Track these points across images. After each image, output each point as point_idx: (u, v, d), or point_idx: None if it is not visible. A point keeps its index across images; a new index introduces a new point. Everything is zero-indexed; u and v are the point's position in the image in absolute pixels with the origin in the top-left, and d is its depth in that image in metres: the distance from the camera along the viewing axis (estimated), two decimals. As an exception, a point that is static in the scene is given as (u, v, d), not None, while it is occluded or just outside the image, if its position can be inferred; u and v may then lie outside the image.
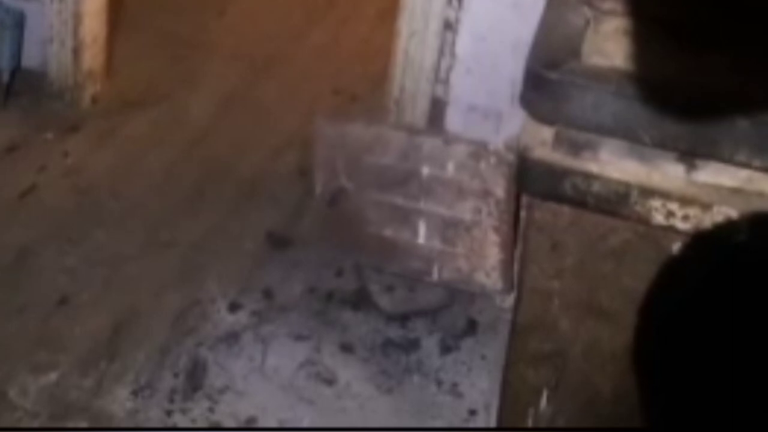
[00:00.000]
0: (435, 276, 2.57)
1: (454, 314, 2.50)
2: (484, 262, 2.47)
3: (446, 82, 2.96)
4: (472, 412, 2.19)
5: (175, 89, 3.47)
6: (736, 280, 1.43)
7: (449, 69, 2.91)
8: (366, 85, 3.56)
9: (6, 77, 3.22)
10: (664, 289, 1.47)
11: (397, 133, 2.58)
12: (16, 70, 3.25)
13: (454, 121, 2.94)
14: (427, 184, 2.54)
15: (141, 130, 3.21)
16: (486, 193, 2.44)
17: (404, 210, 2.58)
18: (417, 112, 3.05)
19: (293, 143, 3.25)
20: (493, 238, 2.43)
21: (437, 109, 2.99)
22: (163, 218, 2.77)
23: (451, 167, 2.49)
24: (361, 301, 2.54)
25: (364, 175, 2.61)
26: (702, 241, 1.45)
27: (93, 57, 3.32)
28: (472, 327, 2.46)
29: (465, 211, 2.49)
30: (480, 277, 2.51)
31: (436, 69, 2.90)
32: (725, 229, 1.42)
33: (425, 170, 2.52)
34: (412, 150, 2.54)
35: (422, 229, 2.57)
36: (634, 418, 1.57)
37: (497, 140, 2.59)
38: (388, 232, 2.61)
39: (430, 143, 2.52)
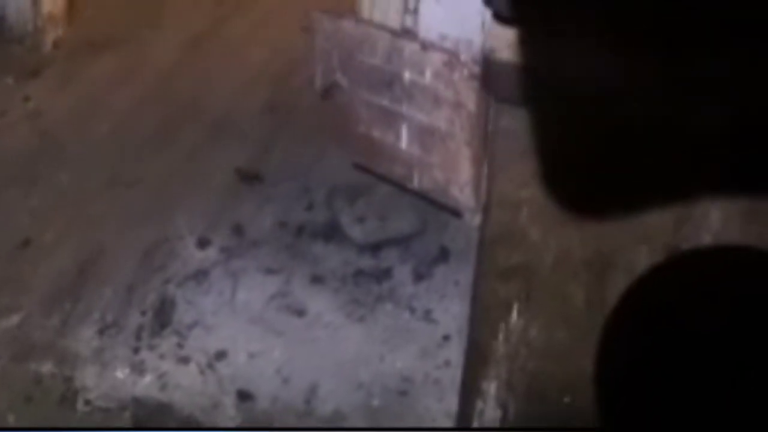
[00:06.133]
0: (416, 183, 2.49)
1: (427, 242, 2.37)
2: (458, 176, 2.35)
3: (416, 11, 2.81)
4: (446, 338, 2.08)
5: (139, 31, 3.30)
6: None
7: (418, -1, 2.77)
8: (335, 22, 3.42)
9: (-37, 23, 3.06)
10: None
11: (382, 33, 2.46)
12: (-27, 15, 3.09)
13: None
14: (408, 89, 2.43)
15: (105, 73, 3.04)
16: (459, 105, 2.32)
17: (389, 113, 2.49)
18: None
19: (262, 79, 3.10)
20: (466, 152, 2.30)
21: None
22: (129, 157, 2.62)
23: (428, 74, 2.38)
24: (332, 233, 2.41)
25: (356, 73, 2.53)
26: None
27: (53, 0, 3.15)
28: (444, 254, 2.34)
29: (441, 120, 2.38)
30: (454, 191, 2.41)
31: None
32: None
33: (406, 75, 2.42)
34: (395, 53, 2.43)
35: (404, 133, 2.47)
36: (606, 326, 1.48)
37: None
38: (376, 134, 2.53)
39: (409, 48, 2.41)
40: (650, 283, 1.39)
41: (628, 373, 1.41)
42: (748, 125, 1.32)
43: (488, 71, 1.49)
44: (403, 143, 2.49)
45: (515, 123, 1.46)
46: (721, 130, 1.34)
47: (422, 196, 2.53)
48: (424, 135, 2.42)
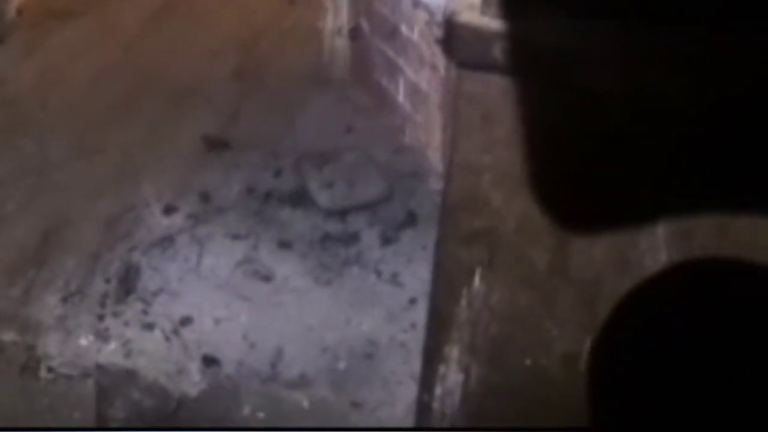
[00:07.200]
0: (407, 137, 2.46)
1: (394, 207, 2.30)
2: (433, 138, 2.30)
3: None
4: (413, 301, 2.02)
5: (106, -2, 3.18)
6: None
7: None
8: (304, -13, 3.29)
9: None
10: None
11: None
12: (-67, -18, 2.92)
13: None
14: (404, 43, 2.41)
15: (70, 41, 2.91)
16: (434, 67, 2.25)
17: (392, 64, 2.48)
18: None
19: (230, 46, 2.99)
20: (438, 115, 2.24)
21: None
22: (94, 125, 2.51)
23: (416, 32, 2.34)
24: (300, 198, 2.33)
25: (373, 20, 2.54)
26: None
27: (16, -34, 3.00)
28: (411, 218, 2.27)
29: (423, 80, 2.34)
30: (430, 153, 2.35)
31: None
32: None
33: (403, 28, 2.39)
34: (397, 4, 2.41)
35: (401, 87, 2.44)
36: (569, 291, 1.42)
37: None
38: (384, 82, 2.52)
39: (405, 2, 2.35)
40: (645, 291, 1.34)
41: (621, 377, 1.36)
42: (720, 100, 1.26)
43: (450, 35, 1.41)
44: (401, 96, 2.47)
45: (478, 88, 1.39)
46: (691, 105, 1.28)
47: (390, 162, 2.47)
48: (413, 92, 2.38)
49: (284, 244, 2.17)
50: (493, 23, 1.34)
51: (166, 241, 2.14)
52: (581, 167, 1.39)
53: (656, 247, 1.37)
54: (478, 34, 1.35)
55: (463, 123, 1.45)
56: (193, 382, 1.80)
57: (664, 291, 1.31)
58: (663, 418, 1.27)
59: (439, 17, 2.14)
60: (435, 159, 2.28)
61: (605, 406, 1.33)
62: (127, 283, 2.01)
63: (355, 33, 2.63)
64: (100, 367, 1.81)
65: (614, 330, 1.32)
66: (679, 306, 1.29)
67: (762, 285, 1.25)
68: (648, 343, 1.29)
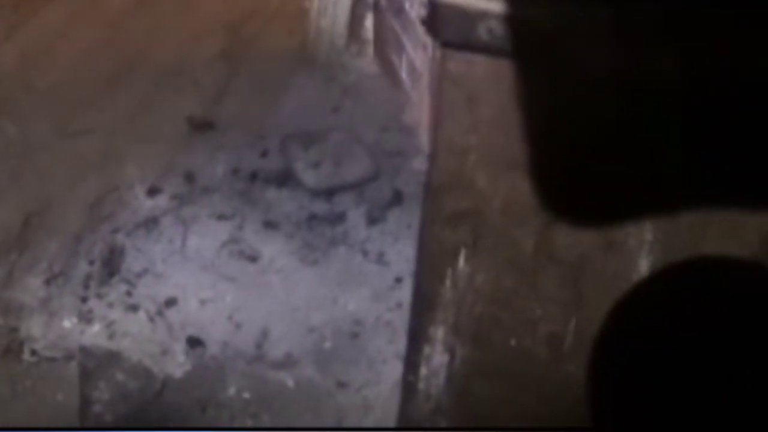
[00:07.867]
0: (407, 117, 2.42)
1: (381, 186, 2.26)
2: (424, 116, 2.25)
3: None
4: (399, 280, 1.98)
5: (89, -22, 3.09)
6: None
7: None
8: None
9: None
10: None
11: None
12: None
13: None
14: (406, 20, 2.37)
15: (53, 21, 2.83)
16: (425, 47, 2.20)
17: (399, 41, 2.45)
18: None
19: (216, 27, 2.92)
20: (427, 95, 2.20)
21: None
22: (77, 107, 2.44)
23: (415, 10, 2.29)
24: (286, 179, 2.28)
25: None
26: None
27: (-2, -55, 2.91)
28: (398, 198, 2.23)
29: (418, 59, 2.29)
30: (422, 131, 2.31)
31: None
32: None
33: (407, 6, 2.35)
34: None
35: (404, 65, 2.41)
36: (553, 271, 1.39)
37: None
38: (394, 58, 2.49)
39: None
40: (643, 292, 1.31)
41: (621, 378, 1.33)
42: (718, 90, 1.21)
43: (434, 13, 1.37)
44: (404, 74, 2.43)
45: (462, 68, 1.34)
46: (684, 91, 1.24)
47: (377, 142, 2.42)
48: (412, 71, 2.33)
49: (270, 225, 2.13)
50: (479, 2, 1.29)
51: (151, 222, 2.09)
52: (567, 150, 1.35)
53: (641, 228, 1.34)
54: (462, 14, 1.30)
55: (447, 103, 1.41)
56: (178, 363, 1.76)
57: (659, 292, 1.29)
58: (662, 418, 1.25)
59: (428, -2, 2.09)
60: (425, 138, 2.24)
61: (605, 406, 1.31)
62: (111, 264, 1.96)
63: (376, 6, 2.62)
64: (83, 349, 1.76)
65: (612, 332, 1.29)
66: (675, 307, 1.26)
67: (760, 283, 1.22)
68: (646, 343, 1.27)
